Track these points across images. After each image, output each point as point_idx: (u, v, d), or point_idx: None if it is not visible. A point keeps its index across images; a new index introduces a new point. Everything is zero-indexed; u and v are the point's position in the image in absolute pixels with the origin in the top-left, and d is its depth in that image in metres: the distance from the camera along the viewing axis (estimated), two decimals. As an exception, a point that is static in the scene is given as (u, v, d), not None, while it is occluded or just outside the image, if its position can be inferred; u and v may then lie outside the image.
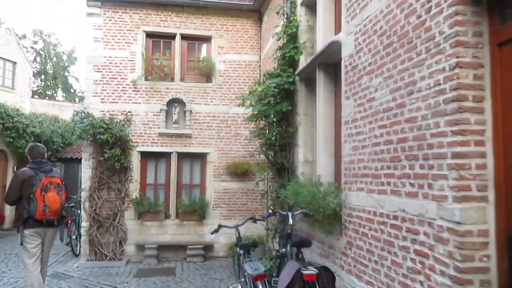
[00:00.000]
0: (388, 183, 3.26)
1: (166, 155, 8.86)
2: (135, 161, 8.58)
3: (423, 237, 2.75)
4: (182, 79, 9.02)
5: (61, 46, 34.44)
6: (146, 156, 8.79)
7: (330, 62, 5.05)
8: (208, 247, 8.62)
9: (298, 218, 5.31)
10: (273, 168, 6.54)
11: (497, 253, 2.38)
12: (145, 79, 8.77)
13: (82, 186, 8.39)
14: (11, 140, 12.06)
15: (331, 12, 5.23)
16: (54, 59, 33.33)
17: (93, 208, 8.22)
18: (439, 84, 2.64)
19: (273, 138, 6.39)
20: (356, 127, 3.93)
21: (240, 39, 9.22)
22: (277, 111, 6.12)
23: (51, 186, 4.75)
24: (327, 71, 5.16)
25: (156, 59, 8.96)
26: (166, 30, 8.96)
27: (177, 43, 9.03)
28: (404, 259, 2.97)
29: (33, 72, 23.62)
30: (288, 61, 6.12)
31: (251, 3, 8.99)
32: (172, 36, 9.05)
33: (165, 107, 8.71)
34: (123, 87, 8.65)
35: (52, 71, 33.17)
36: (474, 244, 2.37)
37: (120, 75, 8.66)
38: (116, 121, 8.34)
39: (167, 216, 8.70)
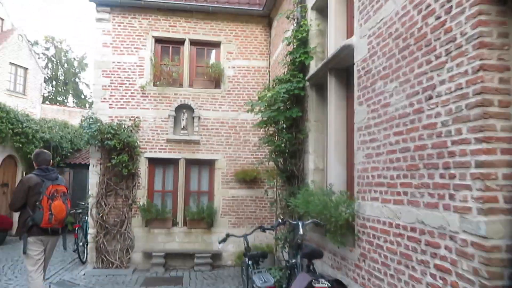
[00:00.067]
0: (405, 193, 3.09)
1: (174, 162, 8.76)
2: (142, 168, 8.49)
3: (444, 251, 2.58)
4: (190, 85, 8.94)
5: (72, 53, 34.79)
6: (154, 162, 8.70)
7: (341, 66, 4.91)
8: (216, 256, 8.46)
9: (308, 228, 5.14)
10: (282, 176, 6.40)
11: (527, 270, 2.20)
12: (154, 85, 8.71)
13: (90, 193, 8.32)
14: (21, 145, 12.07)
15: (342, 15, 5.10)
16: (65, 65, 33.69)
17: (100, 214, 8.14)
18: (461, 88, 2.48)
19: (283, 145, 6.26)
20: (369, 133, 3.77)
21: (250, 44, 9.13)
22: (287, 117, 5.99)
23: (57, 195, 4.69)
24: (338, 76, 5.01)
25: (164, 64, 8.90)
26: (175, 35, 8.90)
27: (186, 48, 8.96)
28: (423, 274, 2.79)
29: (44, 78, 23.88)
30: (298, 66, 5.99)
31: (261, 9, 8.90)
32: (181, 42, 8.98)
33: (173, 113, 8.63)
34: (131, 93, 8.59)
35: (63, 77, 33.51)
36: (503, 260, 2.19)
37: (129, 81, 8.60)
38: (124, 127, 8.28)
39: (174, 224, 8.58)
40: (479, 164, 2.29)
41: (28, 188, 4.61)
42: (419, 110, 2.94)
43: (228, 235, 5.08)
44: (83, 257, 8.79)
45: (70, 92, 33.99)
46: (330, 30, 5.21)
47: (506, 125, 2.29)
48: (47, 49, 33.10)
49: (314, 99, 5.76)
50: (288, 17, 6.46)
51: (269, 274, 4.17)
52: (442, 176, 2.63)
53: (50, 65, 33.02)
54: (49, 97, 31.91)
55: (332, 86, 5.02)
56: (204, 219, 8.47)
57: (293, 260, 4.38)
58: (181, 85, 8.87)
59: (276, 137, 6.49)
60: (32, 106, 19.51)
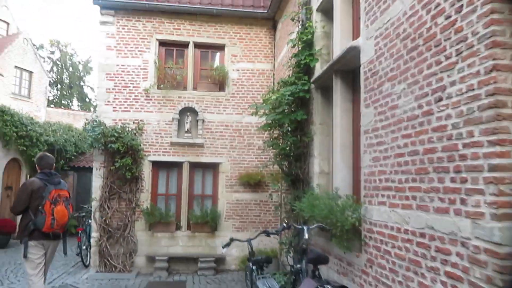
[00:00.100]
0: (414, 197, 3.00)
1: (177, 165, 8.71)
2: (146, 171, 8.44)
3: (455, 258, 2.49)
4: (194, 88, 8.90)
5: (77, 56, 34.97)
6: (157, 165, 8.65)
7: (347, 68, 4.84)
8: (219, 260, 8.38)
9: (313, 233, 5.06)
10: (287, 179, 6.32)
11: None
12: (158, 88, 8.68)
13: (93, 196, 8.27)
14: (25, 148, 12.08)
15: (348, 17, 5.03)
16: (70, 69, 33.84)
17: (104, 218, 8.09)
18: (473, 89, 2.40)
19: (288, 148, 6.18)
20: (376, 136, 3.69)
21: (254, 47, 9.08)
22: (291, 120, 5.91)
23: (60, 199, 4.65)
24: (344, 78, 4.94)
25: (169, 67, 8.87)
26: (179, 38, 8.88)
27: (190, 51, 8.93)
28: (433, 282, 2.70)
29: (50, 81, 23.96)
30: (303, 69, 5.93)
31: (265, 11, 8.86)
32: (185, 45, 8.95)
33: (177, 116, 8.58)
34: (135, 96, 8.56)
35: (68, 81, 33.65)
36: (518, 269, 2.10)
37: (133, 84, 8.57)
38: (128, 130, 8.24)
39: (178, 228, 8.52)
40: (493, 168, 2.21)
41: (31, 192, 4.56)
42: (428, 112, 2.86)
43: (232, 240, 5.01)
44: (86, 261, 8.74)
45: (75, 95, 34.12)
46: (336, 32, 5.15)
47: (520, 127, 2.20)
48: (52, 52, 33.27)
49: (319, 101, 5.69)
50: (293, 19, 6.41)
51: (273, 280, 4.09)
52: (453, 180, 2.55)
53: (55, 69, 33.18)
54: (54, 101, 32.04)
55: (338, 88, 4.95)
56: (208, 223, 8.40)
57: (298, 265, 4.30)
58: (185, 88, 8.83)
59: (281, 140, 6.42)
60: (37, 109, 19.56)
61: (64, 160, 13.57)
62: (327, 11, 5.70)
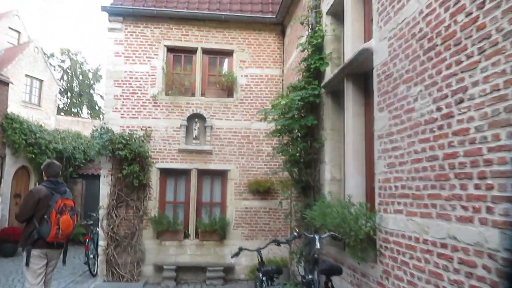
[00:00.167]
0: (434, 205, 2.83)
1: (186, 172, 8.59)
2: (154, 178, 8.33)
3: (481, 271, 2.31)
4: (203, 94, 8.81)
5: (87, 64, 35.26)
6: (165, 173, 8.54)
7: (359, 72, 4.69)
8: (228, 269, 8.20)
9: (325, 242, 4.88)
10: (297, 186, 6.16)
11: None
12: (166, 94, 8.60)
13: (100, 204, 8.18)
14: (34, 156, 12.09)
15: (360, 19, 4.89)
16: (80, 77, 34.11)
17: (111, 226, 7.98)
18: (498, 90, 2.24)
19: (298, 154, 6.04)
20: (391, 141, 3.53)
21: (263, 53, 8.98)
22: (301, 125, 5.77)
23: (65, 209, 4.56)
24: (356, 82, 4.79)
25: (177, 73, 8.80)
26: (188, 44, 8.81)
27: (198, 57, 8.86)
28: (457, 296, 2.52)
29: (60, 89, 24.14)
30: (313, 73, 5.80)
31: (274, 16, 8.77)
32: (193, 51, 8.88)
33: (185, 123, 8.49)
34: (143, 102, 8.49)
35: (78, 89, 33.90)
36: (554, 284, 1.92)
37: (140, 90, 8.51)
38: (136, 137, 8.16)
39: (186, 236, 8.37)
40: (522, 174, 2.04)
41: (38, 200, 4.48)
42: (448, 115, 2.70)
43: (241, 249, 4.86)
44: (94, 270, 8.62)
45: (85, 103, 34.35)
46: (347, 35, 5.01)
47: (552, 130, 2.04)
48: (63, 61, 33.60)
49: (330, 106, 5.55)
50: (302, 23, 6.29)
51: (284, 292, 3.92)
52: (477, 187, 2.38)
53: (65, 77, 33.46)
54: (64, 109, 32.26)
55: (349, 92, 4.80)
56: (216, 231, 8.24)
57: (310, 276, 4.12)
58: (193, 94, 8.75)
59: (291, 146, 6.27)
60: (47, 117, 19.65)
61: (73, 168, 13.58)
62: (337, 14, 5.58)
